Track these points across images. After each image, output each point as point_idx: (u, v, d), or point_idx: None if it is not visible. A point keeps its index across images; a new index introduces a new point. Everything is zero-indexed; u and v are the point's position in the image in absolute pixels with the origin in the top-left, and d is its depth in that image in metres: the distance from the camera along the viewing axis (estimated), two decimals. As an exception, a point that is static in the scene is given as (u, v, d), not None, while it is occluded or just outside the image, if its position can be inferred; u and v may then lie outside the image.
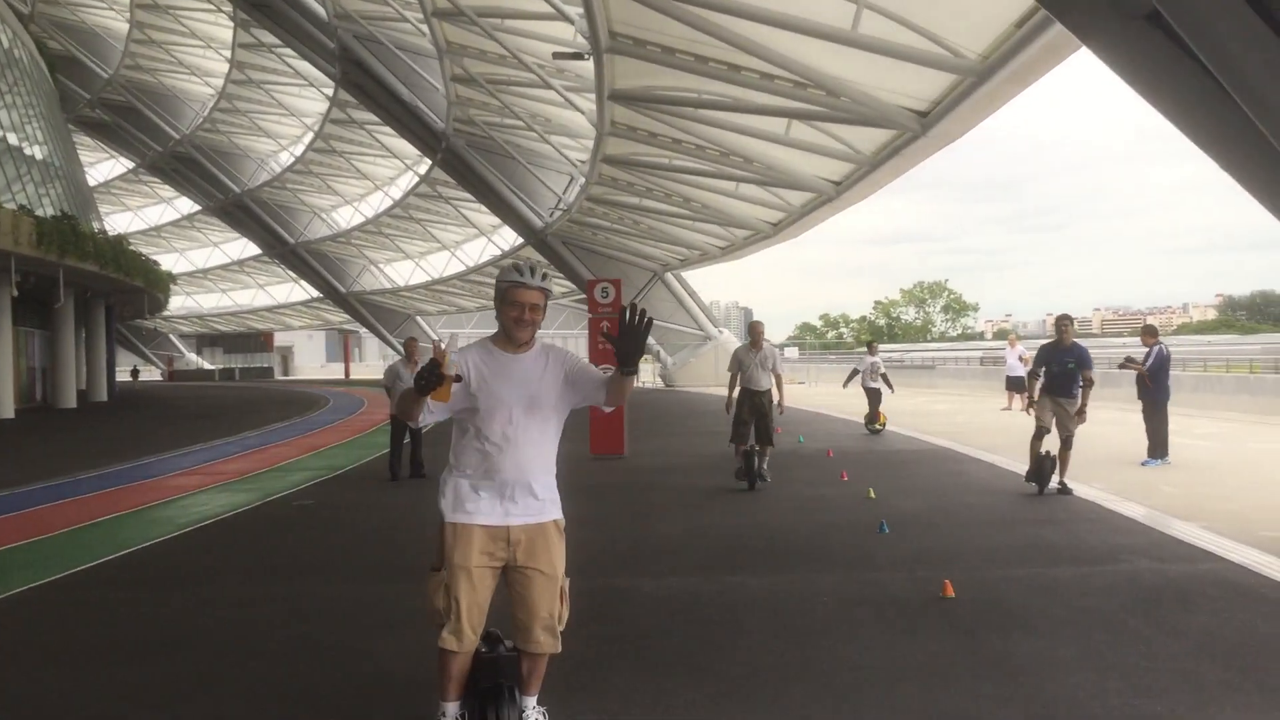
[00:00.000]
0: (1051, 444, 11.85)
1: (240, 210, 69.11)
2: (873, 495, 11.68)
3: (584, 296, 28.26)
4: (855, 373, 22.05)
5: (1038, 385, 12.09)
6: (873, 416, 20.56)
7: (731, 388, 13.02)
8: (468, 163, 44.75)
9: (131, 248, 44.89)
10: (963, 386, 37.18)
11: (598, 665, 5.76)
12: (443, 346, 4.01)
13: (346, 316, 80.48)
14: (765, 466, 12.80)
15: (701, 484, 13.51)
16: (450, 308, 77.52)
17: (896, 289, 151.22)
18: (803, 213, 29.96)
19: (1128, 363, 16.02)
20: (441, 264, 67.36)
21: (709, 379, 45.35)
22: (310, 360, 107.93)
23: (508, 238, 54.64)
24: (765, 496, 12.23)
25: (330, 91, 49.21)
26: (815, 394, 37.50)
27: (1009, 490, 12.18)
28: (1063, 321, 11.94)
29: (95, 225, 44.12)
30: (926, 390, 38.52)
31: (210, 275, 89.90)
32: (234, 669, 5.82)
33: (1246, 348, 51.87)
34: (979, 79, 15.87)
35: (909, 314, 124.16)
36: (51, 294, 35.76)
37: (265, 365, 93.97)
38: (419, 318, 76.03)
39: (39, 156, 40.51)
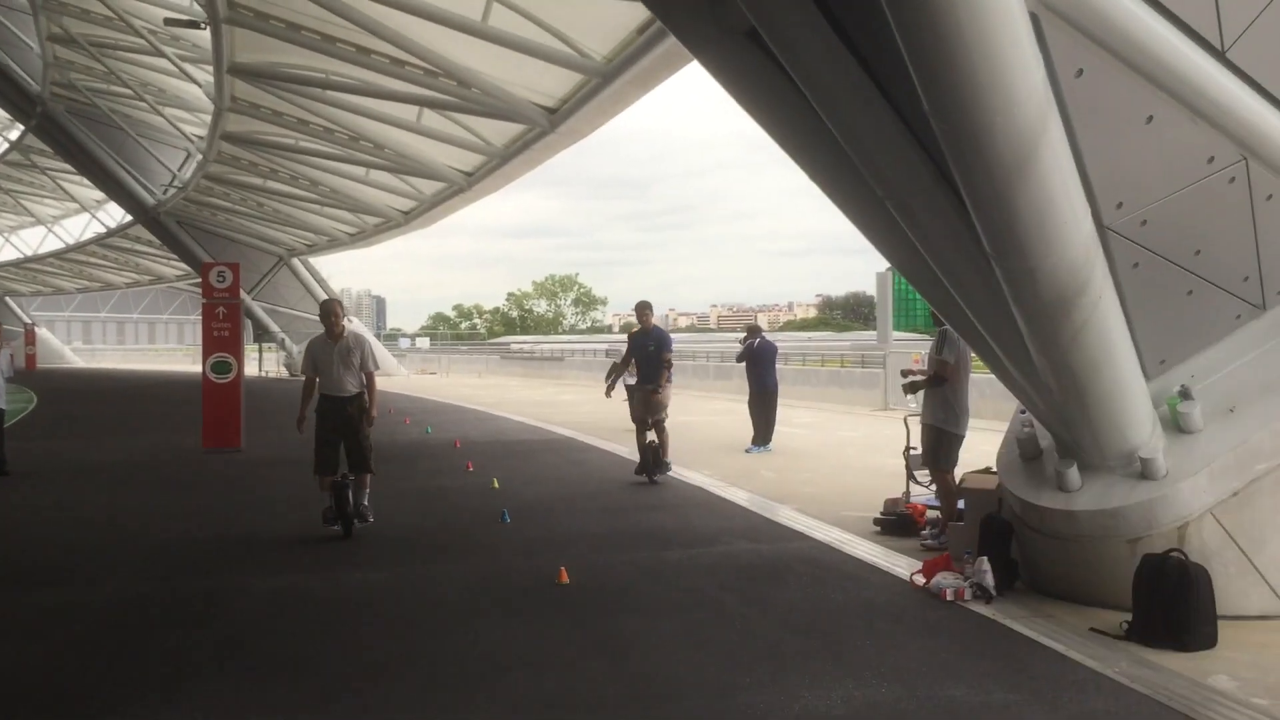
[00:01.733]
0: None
1: None
2: (497, 485, 11.80)
3: (199, 280, 26.68)
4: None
5: (620, 377, 13.54)
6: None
7: (307, 397, 9.38)
8: (68, 131, 40.87)
9: None
10: (590, 378, 38.38)
11: (196, 670, 5.44)
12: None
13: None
14: (365, 503, 9.33)
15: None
16: (46, 289, 70.70)
17: (529, 281, 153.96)
18: (434, 202, 29.82)
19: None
20: (36, 240, 61.29)
21: (337, 369, 44.09)
22: None
23: (115, 214, 50.50)
24: (389, 489, 12.03)
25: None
26: (447, 384, 37.44)
27: (627, 478, 12.67)
28: (642, 308, 12.64)
29: None
30: (555, 381, 39.46)
31: None
32: None
33: (839, 344, 57.12)
34: (604, 80, 16.43)
35: (541, 306, 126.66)
36: None
37: None
38: (9, 299, 68.72)
39: None
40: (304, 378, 9.44)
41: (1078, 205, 5.36)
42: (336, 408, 9.12)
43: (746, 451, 15.11)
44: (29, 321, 66.11)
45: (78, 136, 41.04)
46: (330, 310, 9.41)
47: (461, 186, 26.61)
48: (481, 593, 7.08)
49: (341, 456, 9.13)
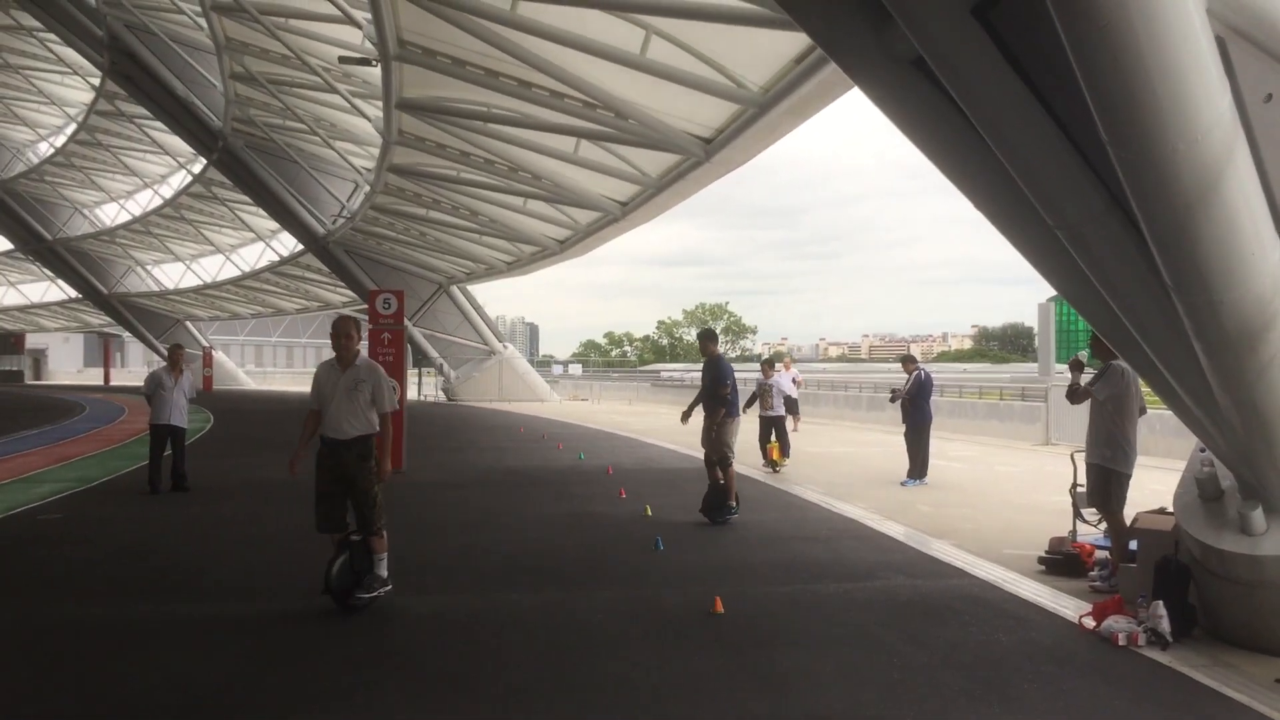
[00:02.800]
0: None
1: (-10, 204, 64.24)
2: (649, 513, 11.85)
3: (365, 306, 27.57)
4: (754, 398, 17.49)
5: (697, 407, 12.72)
6: (784, 448, 17.16)
7: (306, 433, 7.75)
8: (246, 164, 43.05)
9: None
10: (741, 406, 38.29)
11: (365, 686, 5.61)
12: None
13: (108, 319, 75.88)
14: (378, 571, 7.51)
15: (480, 501, 13.39)
16: (223, 314, 74.29)
17: (679, 310, 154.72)
18: (589, 231, 30.25)
19: (894, 394, 16.76)
20: (215, 268, 64.49)
21: (492, 393, 45.10)
22: (66, 364, 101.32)
23: (287, 243, 52.82)
24: (545, 515, 12.22)
25: (97, 81, 46.41)
26: (598, 411, 37.85)
27: (779, 508, 12.58)
28: (701, 338, 12.79)
29: None
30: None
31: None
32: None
33: (997, 376, 55.59)
34: (760, 110, 16.44)
35: (691, 334, 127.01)
36: None
37: (14, 369, 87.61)
38: (189, 323, 72.48)
39: None
40: (309, 409, 7.72)
41: (1265, 236, 5.11)
42: (333, 453, 7.50)
43: (902, 485, 14.83)
44: (206, 345, 69.56)
45: (255, 169, 43.17)
46: (343, 330, 7.59)
47: (616, 216, 26.96)
48: (634, 620, 7.11)
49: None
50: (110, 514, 12.19)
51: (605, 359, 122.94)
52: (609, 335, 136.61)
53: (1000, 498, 13.62)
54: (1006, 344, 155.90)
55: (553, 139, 23.27)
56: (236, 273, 62.03)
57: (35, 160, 60.82)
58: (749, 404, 17.18)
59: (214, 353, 65.42)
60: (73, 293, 73.78)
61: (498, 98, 21.82)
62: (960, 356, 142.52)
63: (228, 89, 37.26)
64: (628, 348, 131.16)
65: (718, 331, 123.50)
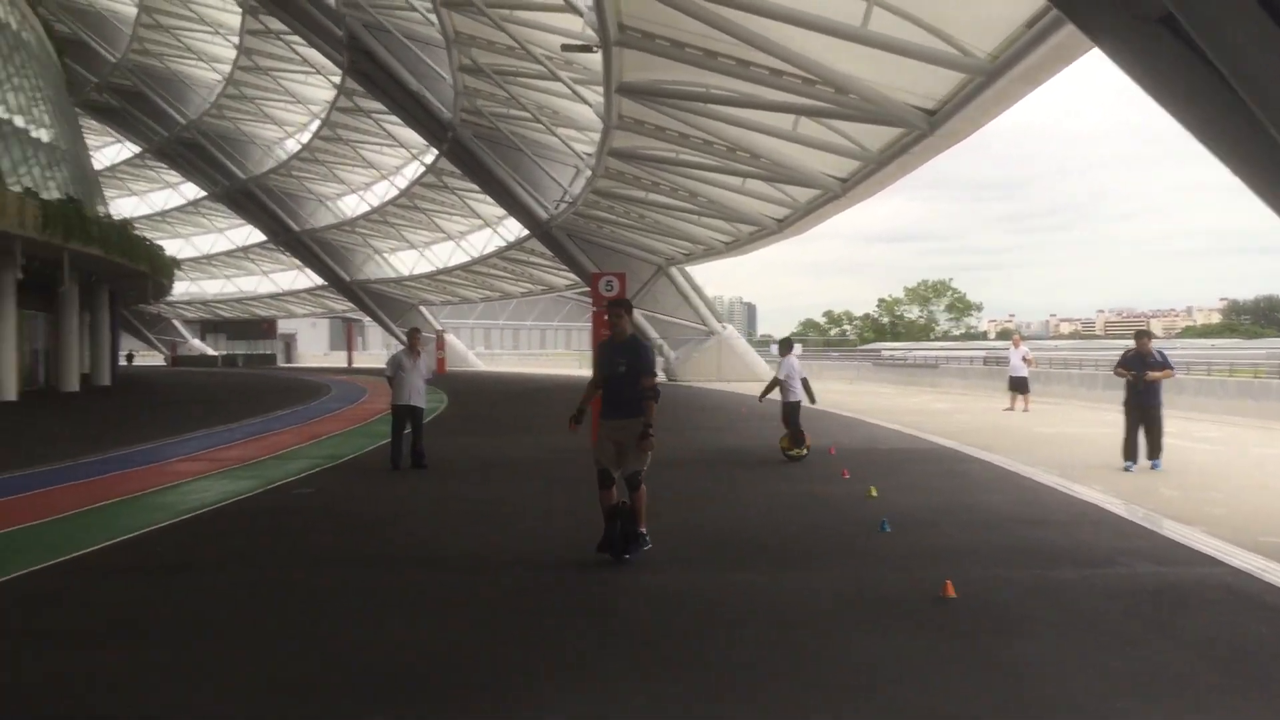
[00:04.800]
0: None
1: (245, 197, 69.10)
2: (874, 494, 11.66)
3: (588, 289, 28.07)
4: (776, 382, 16.13)
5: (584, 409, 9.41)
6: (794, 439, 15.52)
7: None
8: (474, 153, 44.72)
9: (136, 232, 44.90)
10: (965, 386, 37.16)
11: (593, 659, 5.75)
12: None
13: (350, 305, 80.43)
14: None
15: (701, 479, 13.50)
16: (454, 298, 77.47)
17: (899, 287, 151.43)
18: (809, 209, 29.92)
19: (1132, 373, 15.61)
20: (446, 254, 67.29)
21: (712, 374, 45.31)
22: (313, 348, 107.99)
23: (512, 229, 54.56)
24: (766, 493, 12.22)
25: (338, 79, 49.16)
26: (818, 390, 37.44)
27: (1010, 490, 12.15)
28: (611, 310, 8.83)
29: (100, 209, 44.13)
30: (929, 389, 38.49)
31: (215, 261, 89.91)
32: (234, 655, 5.82)
33: (1251, 352, 51.80)
34: (988, 78, 15.83)
35: (912, 312, 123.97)
36: (55, 278, 35.73)
37: (268, 352, 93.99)
38: (423, 307, 75.95)
39: (45, 139, 40.49)
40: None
41: None
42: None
43: (1125, 469, 14.05)
44: (439, 328, 72.73)
45: (482, 158, 44.79)
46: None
47: (836, 193, 26.56)
48: (861, 602, 7.01)
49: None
50: (356, 489, 12.93)
51: (824, 338, 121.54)
52: (828, 314, 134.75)
53: (1256, 482, 12.72)
54: (1260, 317, 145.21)
55: (771, 117, 23.11)
56: (466, 258, 64.52)
57: (283, 156, 64.96)
58: (766, 391, 16.67)
59: (446, 336, 68.30)
60: (318, 280, 78.54)
61: (716, 78, 21.84)
62: (1207, 332, 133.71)
63: (456, 81, 38.75)
64: (847, 326, 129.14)
65: (941, 308, 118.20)
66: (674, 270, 47.34)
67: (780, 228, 33.81)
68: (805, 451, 15.40)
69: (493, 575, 7.93)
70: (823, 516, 10.57)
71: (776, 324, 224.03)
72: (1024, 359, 26.47)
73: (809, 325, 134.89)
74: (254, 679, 5.44)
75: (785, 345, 16.85)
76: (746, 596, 7.17)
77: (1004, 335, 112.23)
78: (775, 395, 16.27)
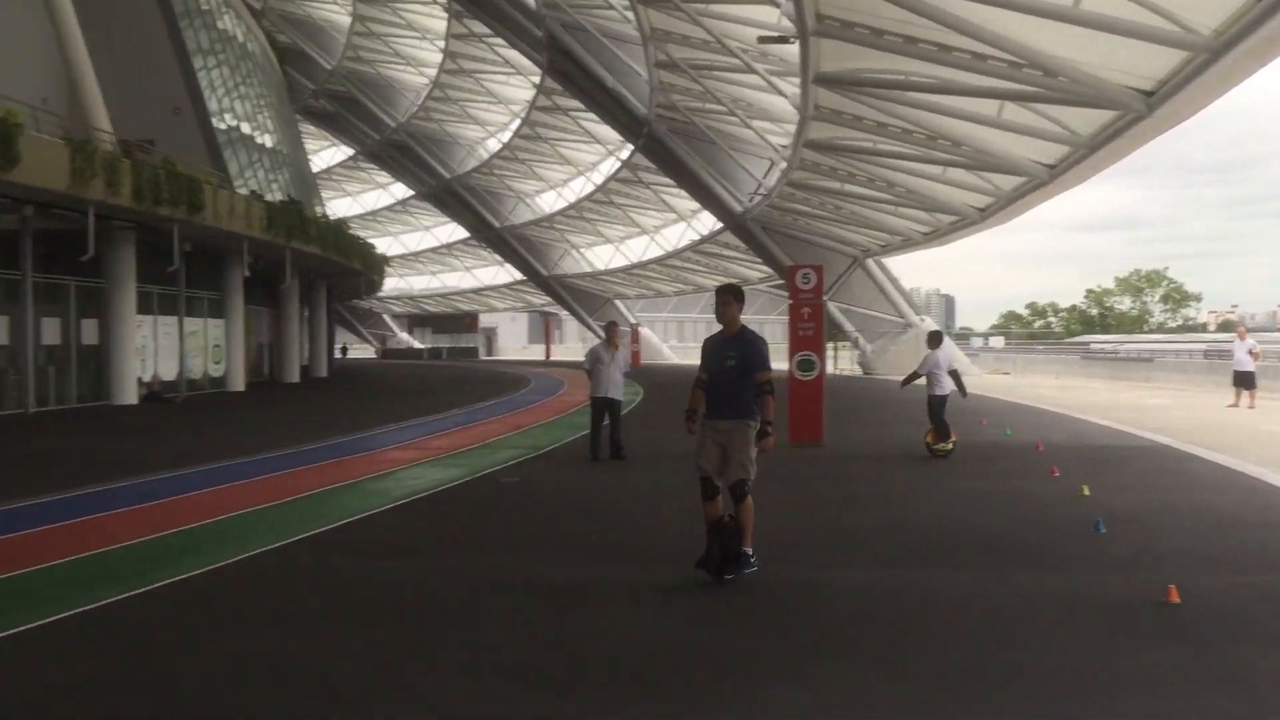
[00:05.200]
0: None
1: (450, 195, 71.68)
2: (1086, 493, 11.17)
3: (781, 282, 27.87)
4: (916, 375, 16.00)
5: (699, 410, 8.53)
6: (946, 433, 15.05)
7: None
8: (669, 148, 45.08)
9: (350, 231, 47.19)
10: (1183, 381, 35.19)
11: (795, 656, 5.72)
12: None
13: (548, 299, 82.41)
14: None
15: (900, 474, 13.25)
16: (648, 292, 78.33)
17: (1107, 277, 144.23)
18: (1013, 197, 28.89)
19: None
20: (641, 248, 68.10)
21: (909, 367, 44.27)
22: (513, 341, 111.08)
23: (706, 223, 54.76)
24: (970, 490, 11.89)
25: (537, 79, 50.41)
26: (1022, 385, 36.20)
27: (1236, 491, 11.44)
28: (722, 298, 7.95)
29: (318, 210, 46.59)
30: (1142, 384, 36.63)
31: (421, 258, 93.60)
32: (447, 638, 6.05)
33: None
34: (1212, 56, 14.93)
35: (1124, 304, 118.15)
36: (278, 275, 37.94)
37: (471, 345, 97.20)
38: (618, 301, 77.09)
39: (269, 145, 43.04)
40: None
41: None
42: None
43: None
44: (634, 322, 73.70)
45: (677, 152, 45.11)
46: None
47: (1042, 180, 25.54)
48: (1075, 605, 6.73)
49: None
50: (558, 479, 13.24)
51: (1027, 330, 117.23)
52: (1031, 305, 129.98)
53: None
54: None
55: (974, 103, 22.42)
56: (660, 252, 65.13)
57: (485, 155, 67.05)
58: (907, 381, 16.24)
59: (640, 329, 69.11)
60: (517, 275, 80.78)
61: (916, 64, 21.34)
62: None
63: (652, 77, 39.14)
64: (1052, 318, 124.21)
65: (1155, 299, 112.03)
66: (870, 262, 46.55)
67: (982, 217, 32.78)
68: (951, 446, 14.89)
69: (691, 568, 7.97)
70: (1031, 514, 10.21)
71: (976, 316, 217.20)
72: (1250, 352, 24.87)
73: (1011, 317, 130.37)
74: (480, 662, 5.64)
75: (934, 338, 16.21)
76: (955, 597, 7.00)
77: (1226, 327, 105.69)
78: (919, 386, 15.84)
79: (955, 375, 15.26)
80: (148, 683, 5.24)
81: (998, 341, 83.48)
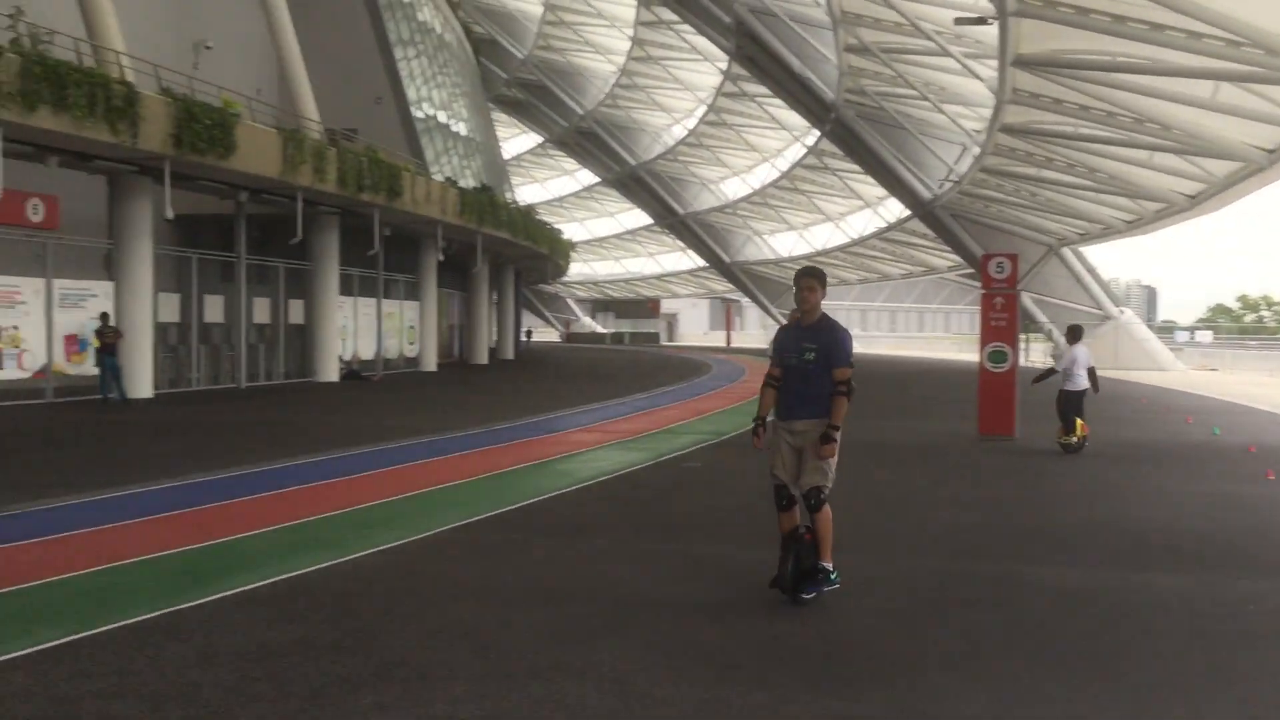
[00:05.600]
0: None
1: (634, 182, 72.43)
2: (1306, 499, 10.48)
3: (970, 271, 27.05)
4: (1051, 372, 15.67)
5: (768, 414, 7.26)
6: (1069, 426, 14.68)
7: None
8: (856, 133, 44.32)
9: (538, 217, 48.25)
10: None
11: (987, 651, 5.57)
12: None
13: (729, 285, 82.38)
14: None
15: (1100, 472, 12.70)
16: (831, 280, 77.21)
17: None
18: (1226, 184, 27.26)
19: None
20: (824, 235, 67.32)
21: (1107, 361, 42.45)
22: (693, 327, 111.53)
23: (893, 210, 53.65)
24: (1177, 491, 11.30)
25: (724, 65, 50.33)
26: (1231, 382, 34.17)
27: None
28: (803, 281, 6.78)
29: (508, 196, 47.83)
30: (1369, 385, 34.04)
31: (606, 243, 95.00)
32: (636, 618, 6.12)
33: None
34: None
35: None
36: (469, 259, 39.15)
37: (652, 330, 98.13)
38: (800, 289, 76.28)
39: (463, 132, 44.42)
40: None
41: None
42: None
43: None
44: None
45: (865, 138, 44.30)
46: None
47: (1260, 166, 24.01)
48: (1297, 618, 6.33)
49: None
50: (738, 465, 13.21)
51: (1238, 325, 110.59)
52: (1242, 299, 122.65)
53: None
54: None
55: (1186, 84, 21.25)
56: (844, 240, 64.23)
57: (670, 142, 67.44)
58: (1040, 378, 15.53)
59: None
60: (699, 261, 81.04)
61: (1124, 44, 20.36)
62: None
63: (841, 61, 38.55)
64: (1265, 312, 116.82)
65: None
66: (1066, 251, 44.72)
67: (1191, 204, 31.04)
68: (1076, 440, 14.43)
69: (891, 559, 7.85)
70: (1243, 520, 9.63)
71: (1180, 309, 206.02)
72: None
73: (1219, 310, 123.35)
74: (670, 644, 5.69)
75: (1074, 333, 15.61)
76: (1163, 602, 6.67)
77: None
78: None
79: (1091, 372, 14.85)
80: (354, 646, 5.50)
81: (1205, 336, 79.00)
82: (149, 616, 5.95)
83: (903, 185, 45.58)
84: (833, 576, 6.58)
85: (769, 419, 6.66)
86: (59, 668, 5.08)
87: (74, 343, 21.72)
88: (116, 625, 5.77)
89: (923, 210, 45.76)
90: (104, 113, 18.85)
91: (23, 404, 19.88)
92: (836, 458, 6.51)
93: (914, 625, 6.12)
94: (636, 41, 55.27)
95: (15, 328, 20.42)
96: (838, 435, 6.44)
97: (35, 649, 5.33)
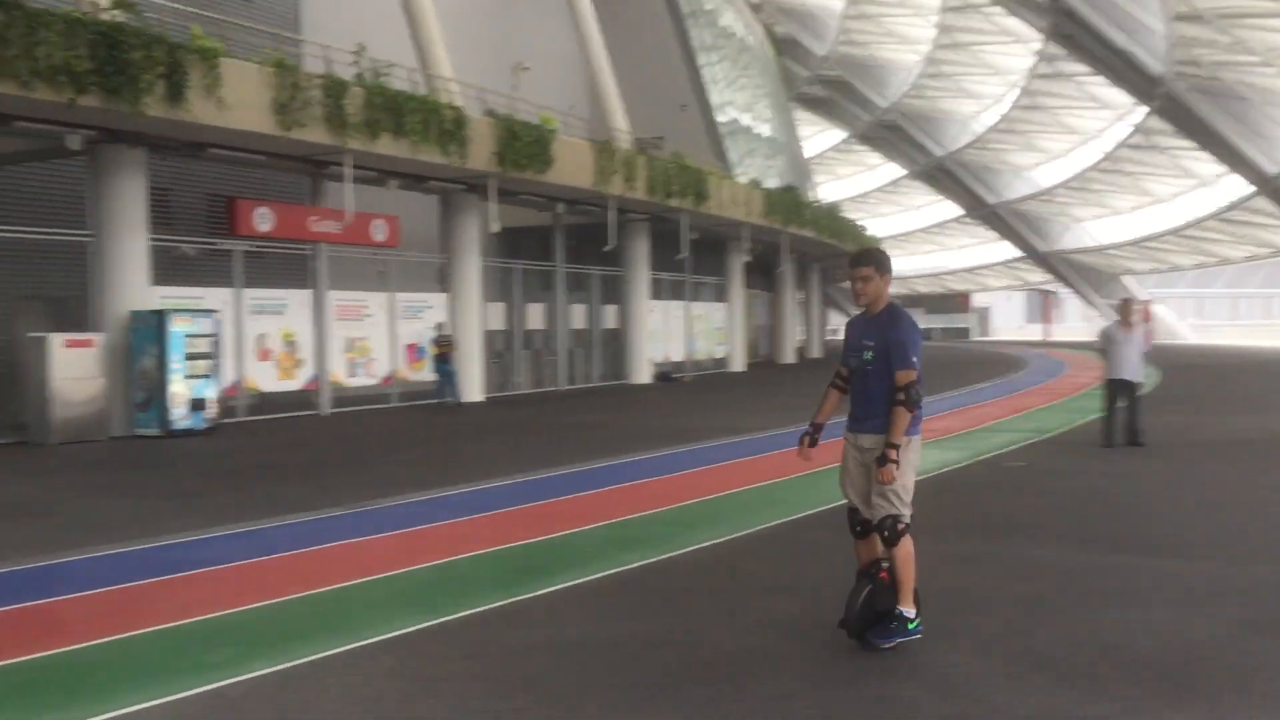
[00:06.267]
0: None
1: (942, 173, 70.38)
2: None
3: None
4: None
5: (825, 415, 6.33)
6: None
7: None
8: (1189, 107, 41.15)
9: (842, 215, 47.84)
10: None
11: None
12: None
13: (1046, 276, 78.49)
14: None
15: None
16: (1162, 266, 72.16)
17: None
18: None
19: None
20: (1154, 219, 62.84)
21: None
22: (1007, 321, 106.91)
23: (1233, 188, 49.37)
24: None
25: (1038, 46, 48.02)
26: None
27: None
28: (862, 264, 5.74)
29: (810, 194, 47.71)
30: None
31: (911, 238, 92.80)
32: (965, 622, 5.94)
33: None
34: None
35: None
36: (774, 259, 39.32)
37: (962, 326, 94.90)
38: (1125, 277, 71.74)
39: (766, 133, 44.71)
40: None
41: None
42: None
43: None
44: (1145, 298, 68.28)
45: (1199, 112, 41.06)
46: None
47: None
48: None
49: None
50: (1067, 465, 12.56)
51: None
52: None
53: None
54: None
55: None
56: (1177, 222, 59.78)
57: (979, 130, 65.05)
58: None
59: (1152, 306, 63.89)
60: (1013, 252, 77.67)
61: None
62: None
63: (1170, 31, 35.92)
64: None
65: None
66: None
67: None
68: None
69: (1240, 566, 7.24)
70: None
71: None
72: None
73: None
74: (1005, 649, 5.51)
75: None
76: None
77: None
78: None
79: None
80: (684, 640, 5.65)
81: None
82: (493, 606, 6.35)
83: (1244, 160, 41.90)
84: (912, 625, 5.40)
85: (826, 425, 5.87)
86: (417, 652, 5.53)
87: (414, 351, 23.51)
88: (465, 613, 6.20)
89: (1270, 187, 41.87)
90: (436, 136, 20.32)
91: (371, 409, 21.78)
92: (909, 481, 5.44)
93: (1266, 634, 5.60)
94: (942, 28, 53.68)
95: (365, 339, 22.35)
96: (897, 456, 5.29)
97: (396, 634, 5.81)
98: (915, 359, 5.41)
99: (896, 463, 5.28)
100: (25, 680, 5.22)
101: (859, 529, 5.57)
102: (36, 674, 5.32)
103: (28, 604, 6.71)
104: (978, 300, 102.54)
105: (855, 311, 5.90)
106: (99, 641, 5.78)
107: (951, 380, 29.15)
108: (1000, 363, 39.95)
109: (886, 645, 5.31)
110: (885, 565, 5.44)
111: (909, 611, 5.37)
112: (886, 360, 5.42)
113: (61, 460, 14.25)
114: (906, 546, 5.36)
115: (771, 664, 5.23)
